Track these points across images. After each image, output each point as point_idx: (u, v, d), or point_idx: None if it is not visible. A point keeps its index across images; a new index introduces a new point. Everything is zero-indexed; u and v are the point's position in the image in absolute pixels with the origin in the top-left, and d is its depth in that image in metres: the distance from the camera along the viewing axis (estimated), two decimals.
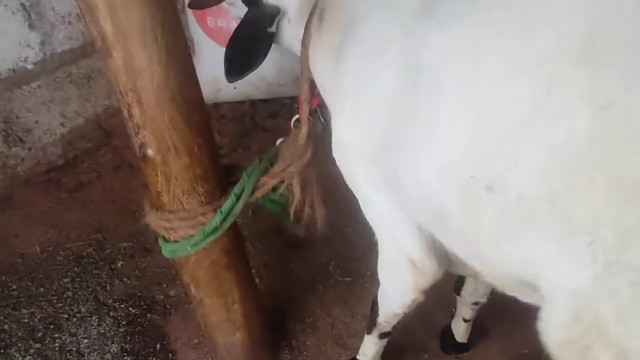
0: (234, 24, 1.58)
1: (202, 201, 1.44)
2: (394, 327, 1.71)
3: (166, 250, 1.50)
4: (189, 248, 1.47)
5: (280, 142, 1.57)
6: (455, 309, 1.99)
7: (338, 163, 1.32)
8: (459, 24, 0.89)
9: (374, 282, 2.28)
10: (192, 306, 1.99)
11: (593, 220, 0.74)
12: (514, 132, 0.81)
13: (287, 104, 3.51)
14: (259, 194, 1.50)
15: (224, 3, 1.71)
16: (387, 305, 1.56)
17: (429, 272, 1.24)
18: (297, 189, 1.53)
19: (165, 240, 1.49)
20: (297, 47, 1.46)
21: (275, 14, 1.52)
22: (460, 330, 1.99)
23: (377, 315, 1.65)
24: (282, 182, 1.52)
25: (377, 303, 1.62)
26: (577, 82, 0.73)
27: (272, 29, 1.53)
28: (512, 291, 1.13)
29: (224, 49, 1.52)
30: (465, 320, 1.94)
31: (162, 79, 1.20)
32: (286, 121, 3.50)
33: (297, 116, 1.52)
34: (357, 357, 1.92)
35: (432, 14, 0.95)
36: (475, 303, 1.85)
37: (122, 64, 1.17)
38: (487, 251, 0.99)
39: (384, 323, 1.68)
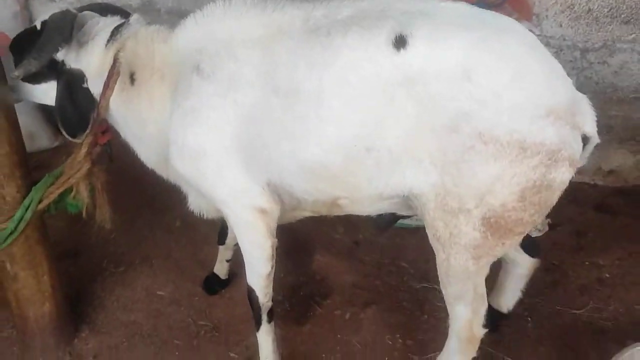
0: None
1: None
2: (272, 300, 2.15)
3: None
4: None
5: (66, 161, 2.09)
6: None
7: (186, 168, 1.92)
8: None
9: (146, 264, 2.93)
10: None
11: (429, 152, 1.63)
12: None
13: None
14: (47, 202, 2.06)
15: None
16: (258, 271, 2.04)
17: (276, 213, 1.94)
18: (84, 194, 2.11)
19: None
20: None
21: (82, 73, 2.01)
22: (224, 271, 2.72)
23: (257, 297, 2.08)
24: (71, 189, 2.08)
25: (252, 291, 2.08)
26: None
27: (85, 85, 2.03)
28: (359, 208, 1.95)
29: None
30: (227, 261, 2.70)
31: None
32: None
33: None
34: None
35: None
36: (235, 244, 2.56)
37: None
38: (364, 186, 1.77)
39: (264, 298, 2.09)
